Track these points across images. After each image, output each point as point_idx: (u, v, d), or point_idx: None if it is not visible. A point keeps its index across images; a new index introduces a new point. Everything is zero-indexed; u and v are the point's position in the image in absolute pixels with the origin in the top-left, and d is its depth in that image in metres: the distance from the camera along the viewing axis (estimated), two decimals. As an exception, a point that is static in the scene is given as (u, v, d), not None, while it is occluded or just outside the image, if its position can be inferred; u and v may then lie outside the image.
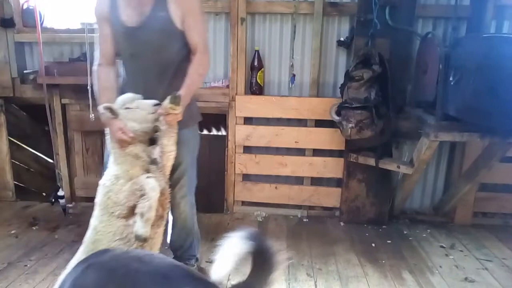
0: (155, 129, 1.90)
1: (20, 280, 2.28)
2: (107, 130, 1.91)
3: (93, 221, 1.90)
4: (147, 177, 1.79)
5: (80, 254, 1.83)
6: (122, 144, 1.84)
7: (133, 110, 1.86)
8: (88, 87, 2.90)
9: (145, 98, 1.92)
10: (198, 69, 1.96)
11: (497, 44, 2.25)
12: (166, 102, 1.83)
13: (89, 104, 2.97)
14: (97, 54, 2.03)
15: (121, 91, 1.98)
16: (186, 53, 1.99)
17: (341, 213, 3.20)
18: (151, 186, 1.75)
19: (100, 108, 1.86)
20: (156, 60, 1.95)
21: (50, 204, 2.90)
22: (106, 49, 2.00)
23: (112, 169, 1.86)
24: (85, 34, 2.93)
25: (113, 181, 1.81)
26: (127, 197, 1.77)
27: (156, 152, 1.90)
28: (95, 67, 2.02)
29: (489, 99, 2.18)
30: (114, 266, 1.17)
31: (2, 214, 3.17)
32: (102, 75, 2.00)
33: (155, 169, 1.87)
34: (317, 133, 3.15)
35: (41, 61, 2.82)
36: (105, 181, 1.84)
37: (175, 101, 1.81)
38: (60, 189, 2.89)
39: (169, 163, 1.94)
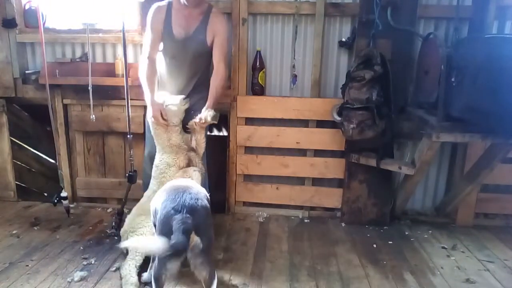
0: (187, 120, 2.52)
1: (22, 280, 2.28)
2: (150, 122, 2.53)
3: (148, 192, 2.55)
4: (194, 170, 2.37)
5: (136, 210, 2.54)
6: (161, 125, 2.47)
7: (173, 107, 2.49)
8: (89, 88, 2.91)
9: (176, 91, 2.66)
10: (221, 82, 2.59)
11: (499, 44, 2.25)
12: (207, 115, 2.45)
13: (90, 104, 2.97)
14: (145, 50, 2.61)
15: (161, 84, 2.68)
16: (208, 64, 2.66)
17: (343, 213, 3.19)
18: (196, 178, 2.32)
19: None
20: (189, 65, 2.63)
21: (53, 205, 2.89)
22: (154, 49, 2.60)
23: (162, 156, 2.49)
24: (87, 35, 2.93)
25: (165, 166, 2.45)
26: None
27: (193, 142, 2.51)
28: (144, 59, 2.60)
29: (491, 100, 2.18)
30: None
31: (4, 214, 3.17)
32: (150, 66, 2.58)
33: (194, 156, 2.50)
34: (318, 133, 3.15)
35: (44, 61, 2.82)
36: (158, 164, 2.50)
37: (215, 118, 2.49)
38: (63, 190, 2.89)
39: (202, 150, 2.56)
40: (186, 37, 2.57)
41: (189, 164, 2.49)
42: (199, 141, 2.52)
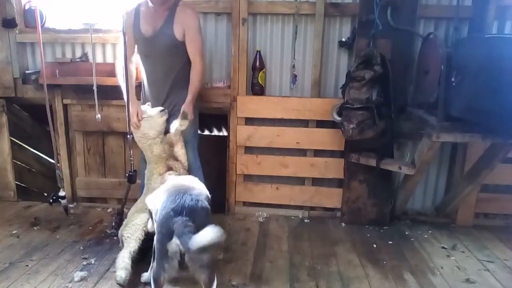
0: (166, 130, 2.58)
1: (22, 280, 2.28)
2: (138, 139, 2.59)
3: (141, 198, 2.62)
4: (169, 174, 2.49)
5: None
6: (135, 126, 2.55)
7: (147, 119, 2.53)
8: (94, 88, 2.90)
9: (154, 91, 2.70)
10: (198, 76, 2.59)
11: (499, 44, 2.24)
12: (178, 126, 2.48)
13: (91, 104, 2.98)
14: (119, 55, 2.71)
15: (145, 88, 2.76)
16: (186, 60, 2.61)
17: (343, 213, 3.19)
18: None
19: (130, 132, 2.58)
20: (163, 62, 2.61)
21: (49, 204, 2.88)
22: (131, 51, 2.66)
23: (148, 165, 2.59)
24: (89, 35, 2.93)
25: (150, 174, 2.56)
26: (158, 185, 2.36)
27: (175, 153, 2.59)
28: (119, 64, 2.66)
29: (491, 100, 2.18)
30: None
31: (4, 214, 3.17)
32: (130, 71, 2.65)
33: (175, 163, 2.57)
34: (318, 133, 3.15)
35: (42, 61, 2.82)
36: (146, 171, 2.60)
37: (185, 116, 2.48)
38: (61, 190, 2.88)
39: (184, 159, 2.61)
40: (154, 34, 2.57)
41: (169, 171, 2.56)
42: (177, 152, 2.58)
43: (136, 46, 2.68)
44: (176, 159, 2.59)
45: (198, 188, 2.05)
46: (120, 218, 2.81)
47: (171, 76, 2.65)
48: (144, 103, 2.73)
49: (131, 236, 2.38)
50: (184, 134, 2.60)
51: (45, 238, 2.80)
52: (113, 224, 2.85)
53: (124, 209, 2.85)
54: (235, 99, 3.14)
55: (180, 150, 2.59)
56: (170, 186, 2.03)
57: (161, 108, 2.59)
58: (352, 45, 3.02)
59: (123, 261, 2.25)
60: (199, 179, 2.64)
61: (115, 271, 2.35)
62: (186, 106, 2.52)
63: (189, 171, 2.66)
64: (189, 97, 2.56)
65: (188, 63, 2.63)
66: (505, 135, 2.40)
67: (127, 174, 2.76)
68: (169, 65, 2.62)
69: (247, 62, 3.12)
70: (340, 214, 3.22)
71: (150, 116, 2.54)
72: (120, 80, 2.67)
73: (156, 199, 2.00)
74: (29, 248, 2.64)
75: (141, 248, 2.36)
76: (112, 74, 3.11)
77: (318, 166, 3.20)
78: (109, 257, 2.54)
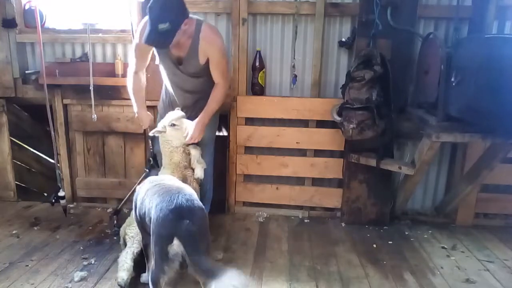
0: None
1: (22, 280, 2.28)
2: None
3: None
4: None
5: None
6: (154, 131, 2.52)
7: (177, 128, 2.46)
8: (91, 88, 2.91)
9: (181, 99, 2.67)
10: (217, 97, 2.55)
11: (499, 45, 2.24)
12: (195, 151, 2.53)
13: (91, 104, 2.97)
14: (132, 63, 2.61)
15: (168, 99, 2.75)
16: (210, 83, 2.57)
17: (342, 213, 3.19)
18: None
19: (153, 131, 2.48)
20: (190, 80, 2.58)
21: (51, 204, 2.89)
22: (142, 63, 2.62)
23: (163, 169, 2.54)
24: (88, 35, 2.93)
25: None
26: None
27: (192, 162, 2.54)
28: (131, 73, 2.62)
29: (491, 100, 2.18)
30: None
31: (4, 214, 3.17)
32: (137, 80, 2.62)
33: (190, 175, 2.53)
34: (318, 133, 3.15)
35: (42, 61, 2.83)
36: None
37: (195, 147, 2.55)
38: (61, 190, 2.88)
39: (198, 167, 2.54)
40: (180, 58, 2.50)
41: (183, 181, 2.47)
42: (194, 156, 2.53)
43: (152, 57, 2.61)
44: (191, 168, 2.56)
45: (186, 187, 2.04)
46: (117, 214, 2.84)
47: (199, 89, 2.62)
48: (165, 104, 2.75)
49: (135, 236, 2.35)
50: (202, 137, 2.57)
51: (45, 238, 2.79)
52: (115, 223, 2.85)
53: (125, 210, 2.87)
54: (235, 99, 3.14)
55: (196, 154, 2.55)
56: (155, 185, 2.00)
57: (182, 113, 2.54)
58: (352, 45, 3.02)
59: (125, 262, 2.24)
60: (208, 186, 2.79)
61: (116, 273, 2.36)
62: (196, 125, 2.45)
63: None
64: (202, 116, 2.50)
65: (210, 86, 2.60)
66: (505, 135, 2.41)
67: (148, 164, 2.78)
68: (197, 82, 2.59)
69: (247, 62, 3.12)
70: (340, 214, 3.22)
71: (179, 126, 2.47)
72: (130, 91, 2.64)
73: (141, 196, 2.01)
74: (29, 248, 2.64)
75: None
76: (112, 74, 3.12)
77: (318, 166, 3.19)
78: (109, 257, 2.54)
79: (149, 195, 1.95)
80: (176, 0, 2.27)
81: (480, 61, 2.19)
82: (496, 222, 3.18)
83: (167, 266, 1.73)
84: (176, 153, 2.50)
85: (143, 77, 2.67)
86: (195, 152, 2.52)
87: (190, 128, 2.45)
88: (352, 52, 3.04)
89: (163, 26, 2.18)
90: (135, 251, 2.31)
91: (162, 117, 2.62)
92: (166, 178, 2.18)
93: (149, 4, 2.22)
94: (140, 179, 2.72)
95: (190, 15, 2.38)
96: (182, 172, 2.51)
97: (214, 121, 2.74)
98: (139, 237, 2.34)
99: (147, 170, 2.73)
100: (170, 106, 2.72)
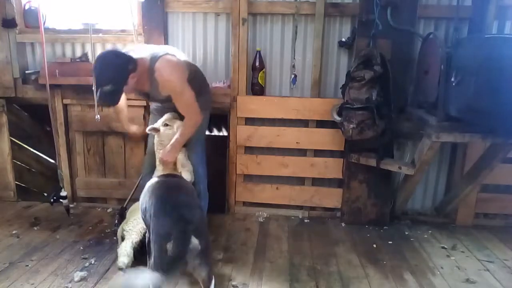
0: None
1: (22, 280, 2.28)
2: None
3: None
4: None
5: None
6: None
7: (169, 128, 2.47)
8: (93, 88, 2.90)
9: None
10: (188, 128, 2.46)
11: (499, 44, 2.24)
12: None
13: (91, 104, 2.98)
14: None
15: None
16: None
17: (342, 213, 3.19)
18: None
19: (149, 128, 2.50)
20: (162, 103, 2.63)
21: (50, 204, 2.89)
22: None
23: (157, 172, 2.46)
24: (89, 35, 2.93)
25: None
26: None
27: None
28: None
29: (491, 100, 2.18)
30: None
31: (4, 214, 3.17)
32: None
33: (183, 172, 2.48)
34: (318, 133, 3.15)
35: (44, 61, 2.83)
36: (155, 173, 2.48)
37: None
38: (62, 190, 2.88)
39: (183, 173, 2.46)
40: (146, 92, 2.52)
41: None
42: (179, 160, 2.47)
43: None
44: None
45: (186, 184, 2.06)
46: (122, 213, 2.85)
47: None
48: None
49: (132, 228, 2.43)
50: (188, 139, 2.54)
51: (45, 238, 2.79)
52: (116, 222, 2.86)
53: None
54: (235, 99, 3.14)
55: (182, 159, 2.51)
56: (156, 183, 2.03)
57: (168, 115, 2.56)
58: (352, 45, 3.02)
59: (125, 249, 2.30)
60: (201, 185, 2.68)
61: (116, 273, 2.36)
62: (166, 153, 2.40)
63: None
64: (175, 141, 2.41)
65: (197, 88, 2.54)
66: (505, 135, 2.41)
67: None
68: (171, 102, 2.51)
69: (247, 62, 3.11)
70: (340, 214, 3.22)
71: (171, 126, 2.49)
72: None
73: (144, 192, 2.03)
74: (29, 248, 2.64)
75: (142, 242, 2.38)
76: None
77: (318, 166, 3.19)
78: (109, 257, 2.54)
79: (151, 192, 1.98)
80: (115, 60, 2.25)
81: (480, 61, 2.19)
82: (496, 222, 3.18)
83: (165, 264, 1.74)
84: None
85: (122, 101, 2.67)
86: (179, 156, 2.47)
87: (165, 149, 2.43)
88: (352, 52, 3.04)
89: (106, 88, 2.23)
90: (134, 241, 2.36)
91: (155, 116, 2.67)
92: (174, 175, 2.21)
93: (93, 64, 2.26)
94: (138, 180, 2.74)
95: (141, 56, 2.36)
96: (174, 172, 2.49)
97: (205, 120, 2.69)
98: (136, 228, 2.42)
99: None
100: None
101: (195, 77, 2.56)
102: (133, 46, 2.60)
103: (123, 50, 2.43)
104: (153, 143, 2.54)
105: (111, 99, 2.32)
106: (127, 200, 2.98)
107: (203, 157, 2.74)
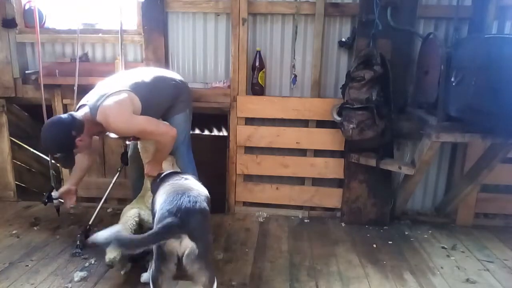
0: None
1: (22, 280, 2.28)
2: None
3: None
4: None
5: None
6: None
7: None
8: (75, 88, 2.91)
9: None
10: (163, 149, 2.41)
11: (499, 44, 2.24)
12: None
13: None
14: None
15: None
16: (163, 100, 2.53)
17: (342, 213, 3.19)
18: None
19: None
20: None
21: (44, 204, 2.82)
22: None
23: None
24: (89, 35, 2.93)
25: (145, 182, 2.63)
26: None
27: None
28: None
29: (491, 100, 2.18)
30: None
31: (4, 214, 3.17)
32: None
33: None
34: (318, 133, 3.15)
35: (39, 61, 2.83)
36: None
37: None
38: (54, 190, 2.82)
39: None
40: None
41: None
42: (163, 168, 2.47)
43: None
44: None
45: (197, 188, 2.03)
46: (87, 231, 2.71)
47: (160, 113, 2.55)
48: None
49: (123, 225, 2.38)
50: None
51: (45, 238, 2.79)
52: (78, 243, 2.64)
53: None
54: (235, 99, 3.14)
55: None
56: (168, 188, 2.03)
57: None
58: (352, 45, 3.02)
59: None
60: None
61: (116, 272, 2.36)
62: (150, 169, 2.43)
63: None
64: (154, 159, 2.44)
65: (165, 103, 2.54)
66: (505, 135, 2.41)
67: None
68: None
69: (247, 62, 3.11)
70: (340, 214, 3.22)
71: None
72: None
73: (157, 201, 2.01)
74: (29, 248, 2.64)
75: None
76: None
77: (318, 166, 3.20)
78: (109, 257, 2.54)
79: (160, 194, 1.99)
80: (56, 131, 2.22)
81: (480, 61, 2.19)
82: (496, 222, 3.18)
83: (164, 267, 1.73)
84: (148, 159, 2.53)
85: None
86: (164, 166, 2.47)
87: (149, 164, 2.47)
88: (352, 52, 3.04)
89: (57, 155, 2.28)
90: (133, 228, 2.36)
91: None
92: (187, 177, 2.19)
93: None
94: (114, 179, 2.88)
95: (84, 110, 2.28)
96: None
97: (184, 119, 2.64)
98: (127, 225, 2.37)
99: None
100: None
101: (152, 97, 2.41)
102: (99, 83, 2.48)
103: (73, 109, 2.50)
104: (136, 150, 2.62)
105: (65, 163, 2.42)
106: (93, 216, 2.81)
107: (189, 156, 2.72)
